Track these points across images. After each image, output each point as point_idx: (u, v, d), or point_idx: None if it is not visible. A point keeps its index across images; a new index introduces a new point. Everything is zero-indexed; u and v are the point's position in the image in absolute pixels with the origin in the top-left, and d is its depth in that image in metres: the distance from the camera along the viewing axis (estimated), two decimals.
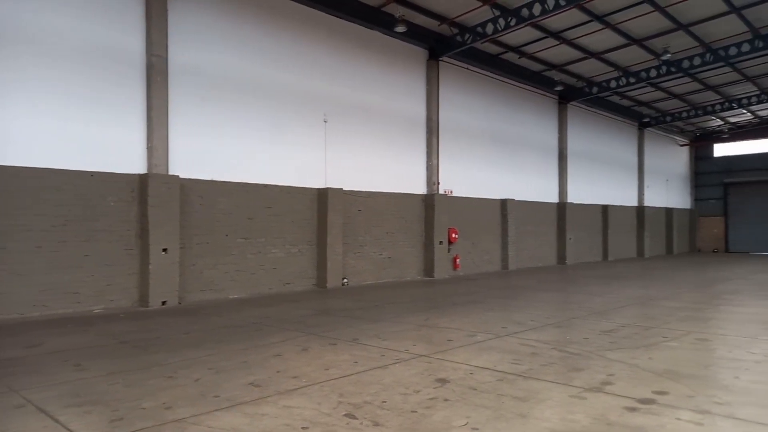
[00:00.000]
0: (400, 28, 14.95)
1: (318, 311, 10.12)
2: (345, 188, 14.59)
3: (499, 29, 15.28)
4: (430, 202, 16.92)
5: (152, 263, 10.53)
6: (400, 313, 9.77)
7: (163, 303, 10.66)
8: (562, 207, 23.20)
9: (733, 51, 18.56)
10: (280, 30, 13.34)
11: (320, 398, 4.75)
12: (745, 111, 28.78)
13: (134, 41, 10.83)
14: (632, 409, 4.39)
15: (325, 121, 14.25)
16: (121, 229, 10.54)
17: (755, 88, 24.73)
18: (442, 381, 5.25)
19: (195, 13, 11.79)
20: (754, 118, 30.75)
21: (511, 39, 17.77)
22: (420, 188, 17.03)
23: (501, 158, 20.29)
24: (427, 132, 17.17)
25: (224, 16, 12.30)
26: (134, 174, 10.77)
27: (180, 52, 11.46)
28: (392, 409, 4.44)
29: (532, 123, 21.90)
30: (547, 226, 22.58)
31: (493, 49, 18.54)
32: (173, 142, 11.33)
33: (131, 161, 10.79)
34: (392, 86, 16.13)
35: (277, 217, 13.15)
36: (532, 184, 21.84)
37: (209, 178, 11.98)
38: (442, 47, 16.85)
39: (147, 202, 10.55)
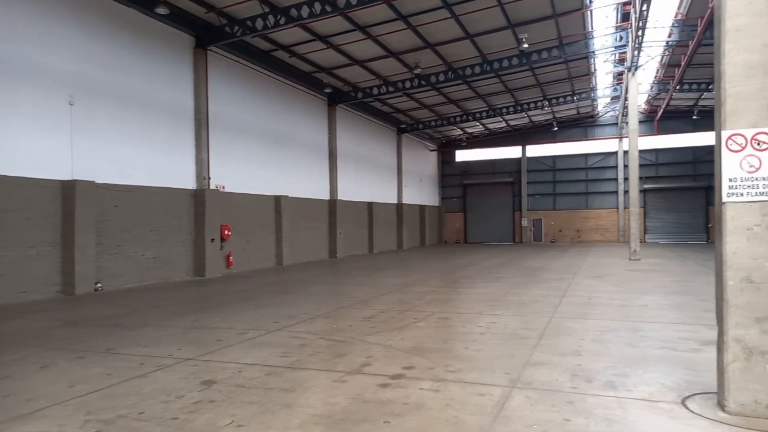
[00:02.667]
0: (162, 10, 13.93)
1: (64, 322, 8.83)
2: (98, 181, 12.98)
3: (269, 26, 15.37)
4: (201, 197, 16.15)
5: None
6: (166, 316, 9.14)
7: None
8: (333, 203, 24.43)
9: (468, 71, 21.94)
10: None
11: (63, 419, 4.20)
12: (478, 124, 34.30)
13: None
14: (385, 386, 4.93)
15: (71, 104, 12.44)
16: None
17: (485, 105, 29.64)
18: (209, 383, 5.12)
19: None
20: (485, 130, 36.86)
21: (283, 37, 18.03)
22: (189, 183, 16.10)
23: (275, 155, 20.43)
24: (196, 124, 16.32)
25: None
26: None
27: None
28: (151, 419, 4.17)
29: (305, 122, 22.56)
30: (319, 221, 23.53)
31: (264, 45, 18.53)
32: None
33: None
34: (156, 72, 14.90)
35: (5, 214, 11.03)
36: (305, 181, 22.50)
37: None
38: (211, 36, 16.20)
39: None
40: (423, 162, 37.36)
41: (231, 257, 17.48)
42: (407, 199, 33.56)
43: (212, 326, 8.22)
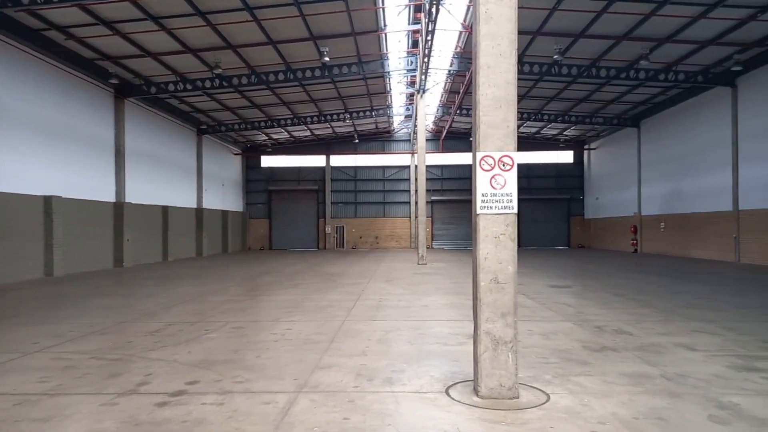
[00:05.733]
0: None
1: None
2: None
3: (38, 1, 13.31)
4: None
5: None
6: None
7: None
8: (120, 206, 22.02)
9: (272, 77, 21.84)
10: None
11: None
12: (283, 130, 34.33)
13: None
14: (163, 404, 4.60)
15: None
16: None
17: (290, 113, 29.82)
18: None
19: None
20: (291, 137, 37.06)
21: (56, 16, 15.76)
22: None
23: (47, 149, 17.65)
24: None
25: None
26: None
27: None
28: None
29: (86, 115, 19.97)
30: (102, 226, 20.98)
31: (33, 22, 15.97)
32: None
33: None
34: None
35: None
36: (86, 180, 19.88)
37: None
38: None
39: None
40: (226, 166, 35.98)
41: None
42: (209, 204, 31.93)
43: None
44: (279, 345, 6.99)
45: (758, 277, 15.80)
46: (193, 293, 12.82)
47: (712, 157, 23.07)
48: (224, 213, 34.64)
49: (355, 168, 39.85)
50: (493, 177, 4.77)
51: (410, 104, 31.48)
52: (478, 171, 4.79)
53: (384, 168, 39.86)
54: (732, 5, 16.00)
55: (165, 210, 26.36)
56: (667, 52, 20.13)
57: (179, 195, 28.23)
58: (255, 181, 39.75)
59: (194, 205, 30.30)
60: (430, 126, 36.52)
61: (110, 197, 21.71)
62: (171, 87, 22.09)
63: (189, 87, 22.12)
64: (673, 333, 7.55)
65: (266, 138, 36.64)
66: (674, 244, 26.41)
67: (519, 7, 15.68)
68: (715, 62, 20.76)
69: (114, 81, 20.47)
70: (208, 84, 21.98)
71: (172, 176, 27.47)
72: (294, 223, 39.92)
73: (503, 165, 4.78)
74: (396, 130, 38.76)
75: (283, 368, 5.79)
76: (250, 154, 39.28)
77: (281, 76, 21.85)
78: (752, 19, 16.73)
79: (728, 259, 21.89)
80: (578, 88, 25.43)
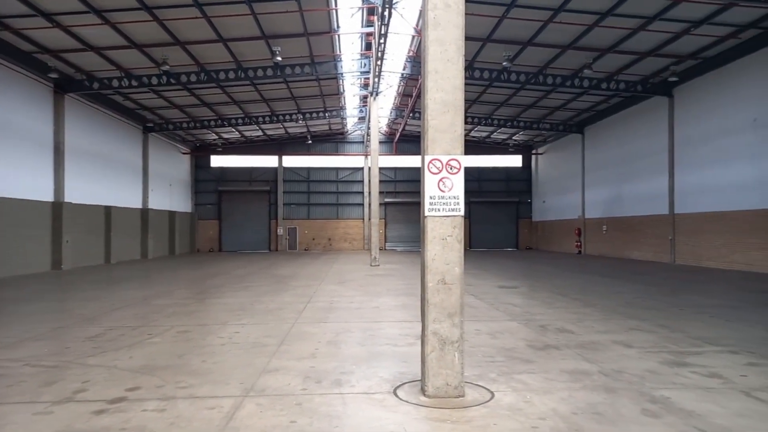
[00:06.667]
0: None
1: None
2: None
3: None
4: None
5: None
6: None
7: None
8: (58, 206, 20.99)
9: (222, 75, 21.40)
10: None
11: None
12: (234, 130, 33.67)
13: None
14: (101, 412, 4.43)
15: None
16: None
17: (241, 112, 29.29)
18: None
19: None
20: (242, 137, 36.39)
21: None
22: None
23: None
24: None
25: None
26: None
27: None
28: None
29: (23, 110, 18.96)
30: (39, 227, 19.94)
31: None
32: None
33: None
34: None
35: None
36: (21, 179, 18.85)
37: None
38: None
39: None
40: (174, 165, 34.92)
41: None
42: (155, 204, 30.88)
43: None
44: (226, 349, 6.86)
45: (690, 276, 16.72)
46: (137, 296, 12.39)
47: (651, 163, 24.25)
48: (172, 214, 33.61)
49: (309, 169, 39.56)
50: (441, 180, 4.86)
51: (364, 106, 31.54)
52: (426, 174, 4.87)
53: (337, 169, 39.75)
54: (669, 19, 16.89)
55: (108, 210, 25.34)
56: (609, 62, 21.03)
57: (123, 195, 27.19)
58: (204, 181, 38.78)
59: (140, 206, 29.26)
60: (384, 128, 36.71)
61: (48, 197, 20.67)
62: (115, 83, 21.29)
63: (134, 83, 21.37)
64: (611, 331, 7.89)
65: (216, 137, 35.84)
66: (615, 245, 27.59)
67: (469, 14, 16.06)
68: (654, 73, 21.85)
69: (54, 75, 19.52)
70: (155, 81, 21.29)
71: (116, 175, 26.43)
72: (245, 225, 39.20)
73: (451, 168, 4.87)
74: (350, 132, 38.74)
75: (230, 372, 5.69)
76: (200, 153, 38.31)
77: (232, 75, 21.44)
78: (686, 33, 17.71)
79: (664, 260, 23.05)
80: (526, 95, 26.17)
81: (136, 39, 18.17)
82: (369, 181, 37.58)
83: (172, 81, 21.30)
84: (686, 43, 18.79)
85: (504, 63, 20.35)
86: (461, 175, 4.91)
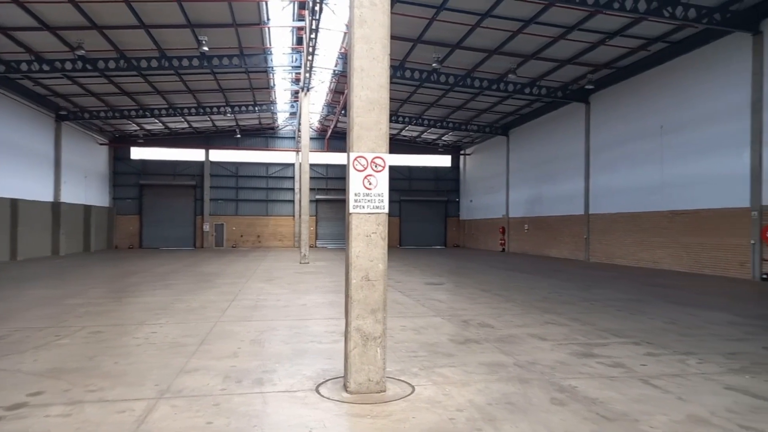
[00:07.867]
0: None
1: None
2: None
3: None
4: None
5: None
6: None
7: None
8: None
9: (144, 63, 20.38)
10: None
11: None
12: (157, 121, 32.15)
13: None
14: None
15: None
16: None
17: (165, 102, 28.01)
18: None
19: None
20: (166, 128, 34.80)
21: None
22: None
23: None
24: None
25: None
26: None
27: None
28: None
29: None
30: None
31: None
32: None
33: None
34: None
35: None
36: None
37: None
38: None
39: None
40: (90, 156, 32.81)
41: None
42: (68, 198, 28.90)
43: None
44: (142, 349, 6.56)
45: (601, 273, 17.84)
46: (45, 296, 11.57)
47: (569, 166, 25.61)
48: (87, 208, 31.63)
49: (237, 164, 38.49)
50: (366, 177, 4.89)
51: (295, 101, 31.10)
52: (352, 171, 4.89)
53: (267, 165, 38.95)
54: (586, 30, 17.90)
55: (14, 203, 23.46)
56: (532, 68, 21.99)
57: (32, 187, 25.25)
58: (124, 174, 36.76)
59: (50, 199, 27.30)
60: (316, 125, 36.38)
61: None
62: (24, 66, 19.73)
63: (46, 68, 19.91)
64: (528, 325, 8.27)
65: (138, 128, 34.07)
66: (536, 243, 28.93)
67: (400, 14, 16.25)
68: (572, 80, 23.08)
69: None
70: (69, 66, 19.93)
71: (24, 166, 24.50)
72: (168, 221, 37.56)
73: (375, 166, 4.92)
74: (280, 127, 38.07)
75: (144, 374, 5.45)
76: (119, 144, 36.27)
77: (155, 63, 20.45)
78: (602, 43, 18.84)
79: (579, 257, 24.43)
80: (455, 96, 26.84)
81: (48, 20, 16.92)
82: (300, 177, 37.20)
83: (88, 67, 20.03)
84: (602, 53, 19.99)
85: (434, 64, 20.76)
86: (386, 172, 4.97)
